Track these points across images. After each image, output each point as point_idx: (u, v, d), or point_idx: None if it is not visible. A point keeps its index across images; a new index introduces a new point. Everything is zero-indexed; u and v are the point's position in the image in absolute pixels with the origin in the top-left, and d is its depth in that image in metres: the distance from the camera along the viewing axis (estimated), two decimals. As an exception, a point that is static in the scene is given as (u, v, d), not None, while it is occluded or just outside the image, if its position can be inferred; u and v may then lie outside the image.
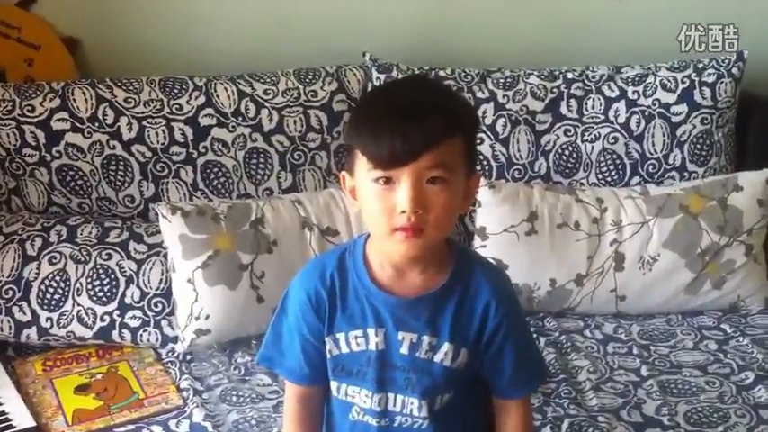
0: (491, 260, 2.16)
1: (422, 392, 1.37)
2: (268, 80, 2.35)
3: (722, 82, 2.36)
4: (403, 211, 1.24)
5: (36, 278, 2.08)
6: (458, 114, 1.30)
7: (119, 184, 2.26)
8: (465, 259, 1.39)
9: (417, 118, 1.23)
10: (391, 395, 1.38)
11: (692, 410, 1.87)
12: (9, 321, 2.05)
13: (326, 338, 1.39)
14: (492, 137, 2.36)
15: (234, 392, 1.94)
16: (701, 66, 2.38)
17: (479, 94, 2.35)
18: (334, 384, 1.41)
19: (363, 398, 1.39)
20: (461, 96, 1.39)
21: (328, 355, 1.39)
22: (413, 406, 1.38)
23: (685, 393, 1.93)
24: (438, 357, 1.36)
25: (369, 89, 2.35)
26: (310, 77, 2.37)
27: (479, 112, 2.33)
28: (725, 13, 2.51)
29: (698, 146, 2.37)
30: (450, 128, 1.26)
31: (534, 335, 2.14)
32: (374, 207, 1.27)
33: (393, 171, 1.24)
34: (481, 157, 2.34)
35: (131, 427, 1.85)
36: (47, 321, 2.06)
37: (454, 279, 1.36)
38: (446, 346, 1.36)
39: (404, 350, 1.36)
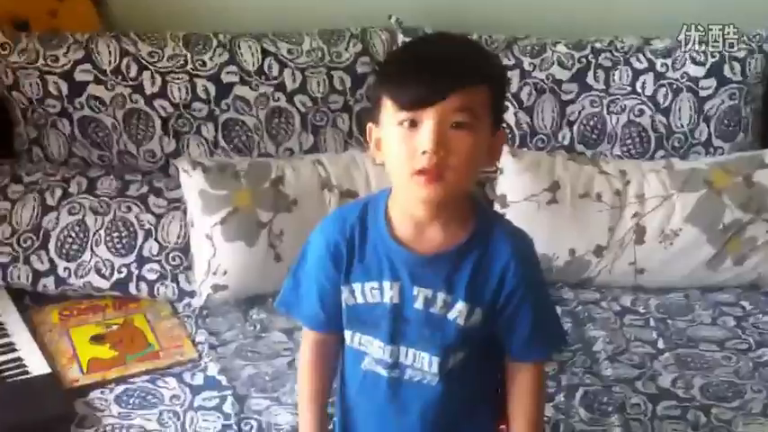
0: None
1: (435, 348, 1.36)
2: (292, 40, 2.33)
3: (753, 57, 2.33)
4: (424, 152, 1.23)
5: (55, 228, 2.08)
6: (486, 65, 1.30)
7: (140, 138, 2.26)
8: (487, 219, 1.38)
9: (445, 62, 1.24)
10: (403, 348, 1.38)
11: (707, 384, 1.87)
12: (27, 270, 2.06)
13: (343, 287, 1.38)
14: (516, 105, 2.34)
15: (249, 348, 1.95)
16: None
17: (505, 61, 2.33)
18: (348, 333, 1.41)
19: (376, 348, 1.39)
20: (491, 52, 1.41)
21: (344, 305, 1.39)
22: (424, 361, 1.37)
23: (701, 367, 1.93)
24: (452, 315, 1.35)
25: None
26: (335, 38, 2.35)
27: (505, 79, 2.32)
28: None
29: (725, 121, 2.34)
30: (477, 75, 1.26)
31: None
32: (397, 149, 1.26)
33: (418, 112, 1.24)
34: (504, 125, 2.31)
35: (146, 377, 1.86)
36: (64, 271, 2.06)
37: (474, 238, 1.35)
38: (460, 305, 1.35)
39: (418, 305, 1.35)
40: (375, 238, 1.36)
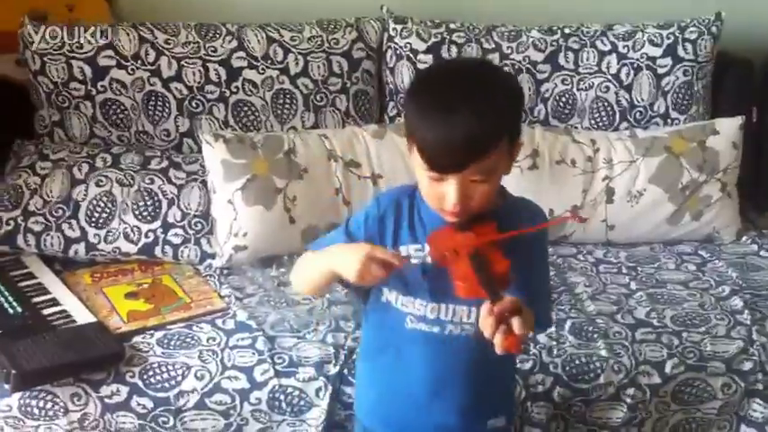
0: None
1: (472, 300, 1.49)
2: (294, 28, 2.57)
3: (702, 38, 2.63)
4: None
5: (84, 199, 2.28)
6: (508, 117, 1.45)
7: (157, 118, 2.47)
8: (512, 198, 1.59)
9: (468, 133, 1.39)
10: (443, 305, 1.54)
11: (677, 315, 2.14)
12: (59, 237, 2.25)
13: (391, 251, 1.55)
14: (496, 84, 2.59)
15: (271, 298, 2.16)
16: (683, 24, 2.65)
17: (486, 45, 2.60)
18: (392, 295, 1.58)
19: (418, 306, 1.56)
20: (515, 86, 1.54)
21: None
22: (463, 313, 1.54)
23: (671, 302, 2.20)
24: None
25: (386, 40, 2.60)
26: (332, 27, 2.59)
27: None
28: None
29: (680, 95, 2.64)
30: (496, 140, 1.41)
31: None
32: (425, 189, 1.48)
33: (442, 174, 1.44)
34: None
35: (182, 324, 2.06)
36: (94, 237, 2.26)
37: (503, 206, 1.54)
38: None
39: None
40: (421, 209, 1.56)
